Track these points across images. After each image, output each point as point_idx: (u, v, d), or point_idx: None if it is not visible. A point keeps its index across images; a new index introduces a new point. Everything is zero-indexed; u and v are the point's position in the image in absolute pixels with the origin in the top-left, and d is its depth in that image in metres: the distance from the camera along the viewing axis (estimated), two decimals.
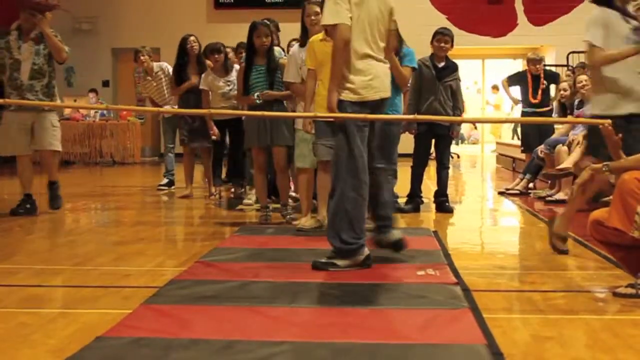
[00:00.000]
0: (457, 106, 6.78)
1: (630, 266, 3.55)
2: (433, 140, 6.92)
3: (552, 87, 9.33)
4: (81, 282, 3.90)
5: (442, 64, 6.74)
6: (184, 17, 15.58)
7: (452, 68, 6.81)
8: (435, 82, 6.67)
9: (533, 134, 8.90)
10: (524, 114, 9.33)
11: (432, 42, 6.79)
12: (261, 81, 5.86)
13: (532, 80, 9.16)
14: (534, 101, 9.10)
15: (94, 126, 14.06)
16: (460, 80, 6.94)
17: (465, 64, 17.83)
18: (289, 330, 2.92)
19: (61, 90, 14.87)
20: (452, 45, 6.79)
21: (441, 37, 6.71)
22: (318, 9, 5.44)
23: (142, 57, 8.66)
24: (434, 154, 7.01)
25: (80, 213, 7.40)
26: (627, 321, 3.13)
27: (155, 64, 8.75)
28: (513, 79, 9.63)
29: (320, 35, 5.19)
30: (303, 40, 5.68)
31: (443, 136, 6.85)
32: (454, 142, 8.11)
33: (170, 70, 8.65)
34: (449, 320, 3.04)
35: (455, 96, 6.77)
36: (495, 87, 19.16)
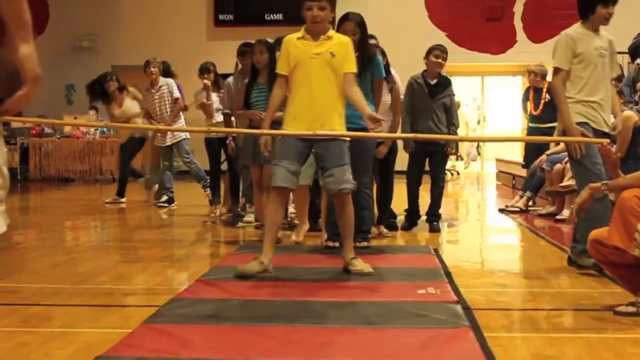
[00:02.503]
0: (452, 122, 6.55)
1: (631, 285, 3.55)
2: (428, 158, 6.73)
3: None
4: (81, 301, 3.90)
5: (434, 81, 6.53)
6: (184, 34, 15.64)
7: (444, 84, 6.60)
8: (428, 100, 6.46)
9: (535, 151, 8.90)
10: (528, 129, 9.33)
11: (426, 57, 6.57)
12: (261, 100, 5.87)
13: (534, 93, 9.16)
14: (534, 113, 9.07)
15: (94, 143, 14.07)
16: (454, 95, 6.74)
17: (464, 80, 17.90)
18: (289, 349, 2.92)
19: (61, 108, 15.04)
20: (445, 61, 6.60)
21: (438, 52, 6.51)
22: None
23: (152, 69, 8.67)
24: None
25: (80, 231, 7.40)
26: (628, 340, 3.13)
27: (161, 79, 8.75)
28: (523, 98, 9.64)
29: (299, 34, 4.55)
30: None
31: (437, 153, 6.65)
32: (456, 158, 8.05)
33: (175, 88, 8.68)
34: (450, 339, 3.03)
35: (449, 113, 6.55)
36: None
